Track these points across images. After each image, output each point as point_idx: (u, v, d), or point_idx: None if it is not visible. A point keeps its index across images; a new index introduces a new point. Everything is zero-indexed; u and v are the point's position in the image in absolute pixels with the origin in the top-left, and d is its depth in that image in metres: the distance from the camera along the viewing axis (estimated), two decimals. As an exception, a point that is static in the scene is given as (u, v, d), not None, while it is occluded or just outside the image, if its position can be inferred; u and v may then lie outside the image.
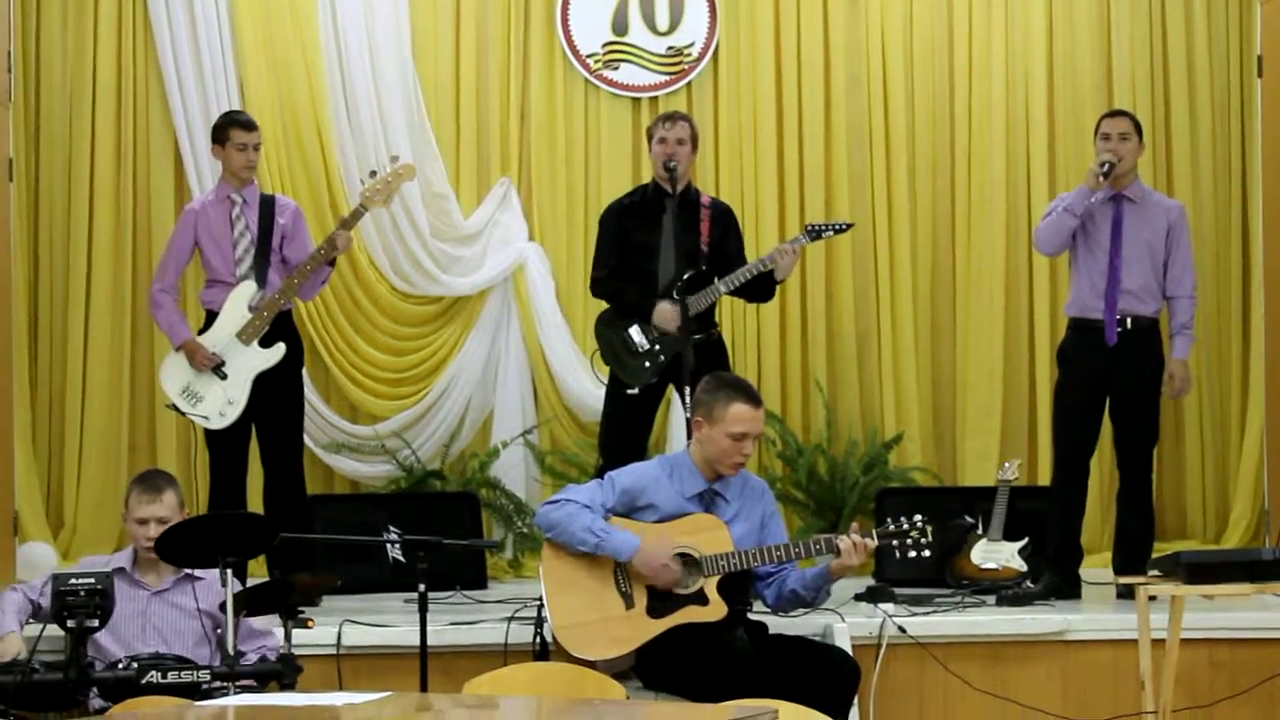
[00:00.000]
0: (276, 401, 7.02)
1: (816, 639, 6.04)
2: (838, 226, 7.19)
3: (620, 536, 5.57)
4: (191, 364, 6.93)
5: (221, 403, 6.91)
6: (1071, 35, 8.76)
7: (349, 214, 7.23)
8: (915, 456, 8.57)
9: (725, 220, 7.11)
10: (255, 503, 7.19)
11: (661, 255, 6.93)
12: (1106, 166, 6.80)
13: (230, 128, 7.04)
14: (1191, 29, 8.76)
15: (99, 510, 8.21)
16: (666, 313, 6.80)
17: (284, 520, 6.55)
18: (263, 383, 6.93)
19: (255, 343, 6.93)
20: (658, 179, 7.04)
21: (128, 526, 5.69)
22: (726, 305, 8.29)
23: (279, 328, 6.99)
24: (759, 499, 5.84)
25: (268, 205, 7.09)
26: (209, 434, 7.05)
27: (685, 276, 6.79)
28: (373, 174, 7.26)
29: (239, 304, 6.95)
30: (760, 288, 7.02)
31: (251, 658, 5.39)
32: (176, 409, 6.99)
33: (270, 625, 5.50)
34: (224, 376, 6.92)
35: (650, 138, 7.06)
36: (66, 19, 8.41)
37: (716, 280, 6.89)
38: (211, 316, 7.01)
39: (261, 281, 6.98)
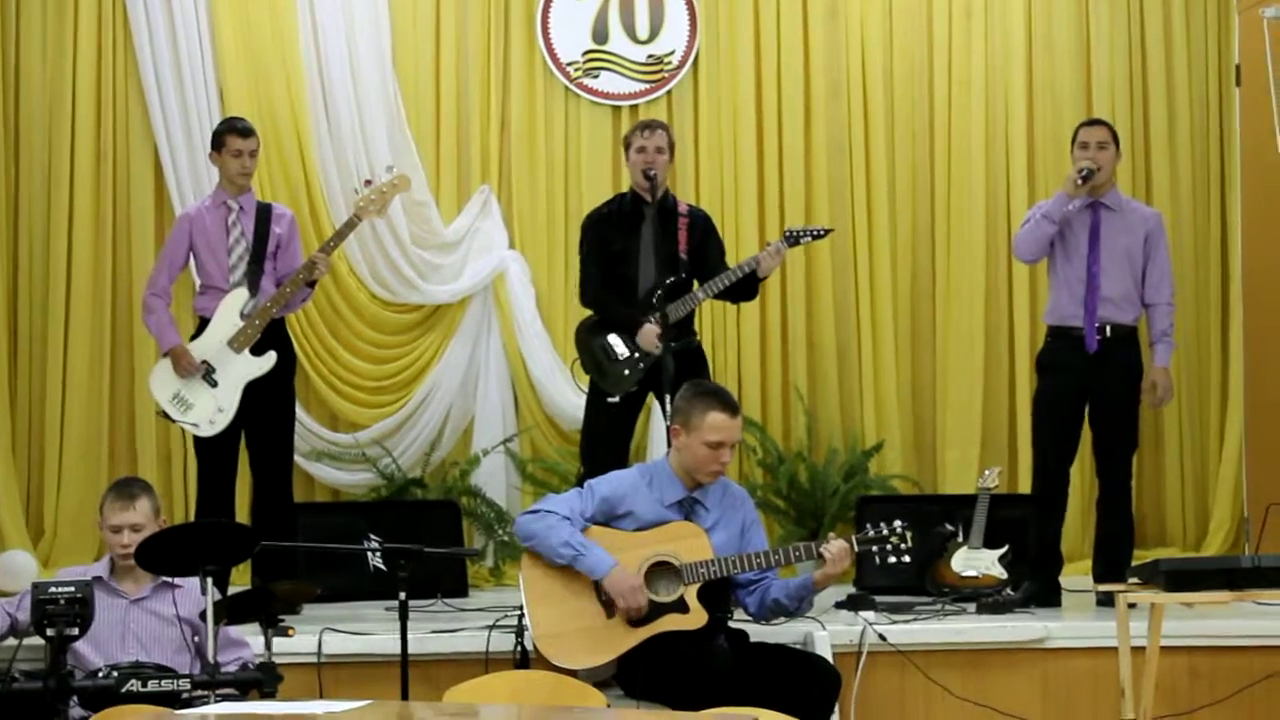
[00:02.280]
0: (267, 410, 7.00)
1: (797, 647, 6.05)
2: (816, 232, 7.15)
3: (596, 554, 5.55)
4: (176, 370, 6.90)
5: (211, 410, 6.89)
6: (1051, 45, 8.79)
7: (343, 224, 7.21)
8: (896, 464, 8.59)
9: (704, 227, 7.11)
10: (243, 511, 7.15)
11: (641, 263, 6.93)
12: (1086, 172, 6.82)
13: (227, 134, 7.04)
14: (1170, 39, 8.80)
15: (79, 518, 8.15)
16: (650, 335, 6.78)
17: (271, 529, 6.57)
18: (253, 391, 6.92)
19: (247, 350, 6.91)
20: (636, 188, 7.03)
21: (103, 534, 5.67)
22: (706, 313, 8.31)
23: (271, 336, 6.96)
24: (739, 507, 5.83)
25: (264, 213, 7.09)
26: (198, 442, 7.02)
27: (666, 283, 6.78)
28: (367, 183, 7.24)
29: (231, 311, 6.93)
30: (743, 288, 6.99)
31: (231, 668, 5.37)
32: (166, 416, 6.96)
33: (245, 637, 5.49)
34: (214, 384, 6.89)
35: (627, 146, 7.05)
36: (46, 28, 8.36)
37: (696, 287, 6.88)
38: (204, 323, 7.00)
39: (255, 289, 6.96)
